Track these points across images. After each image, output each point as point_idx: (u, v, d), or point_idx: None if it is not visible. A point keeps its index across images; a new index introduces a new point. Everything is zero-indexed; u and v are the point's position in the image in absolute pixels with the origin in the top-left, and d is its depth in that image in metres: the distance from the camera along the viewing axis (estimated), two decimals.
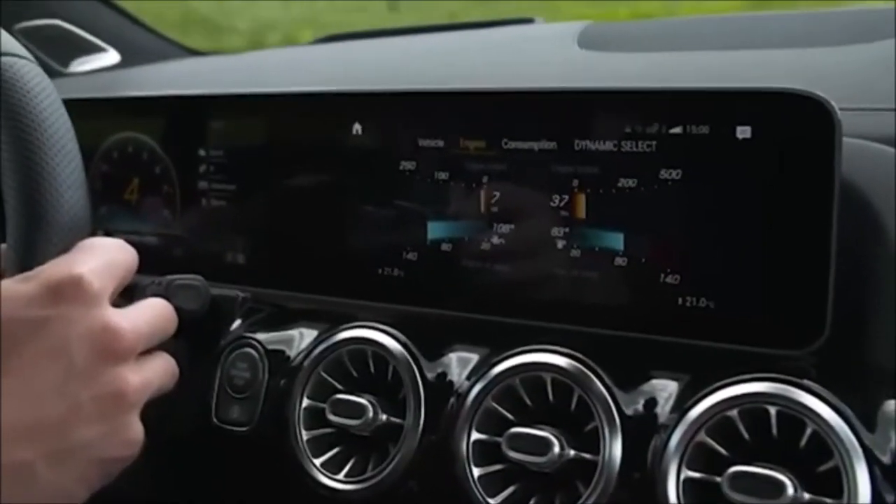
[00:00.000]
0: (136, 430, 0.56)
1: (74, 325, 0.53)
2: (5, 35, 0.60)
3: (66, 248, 0.57)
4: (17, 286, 0.53)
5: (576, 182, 0.59)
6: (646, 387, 0.56)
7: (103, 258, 0.56)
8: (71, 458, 0.52)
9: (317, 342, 0.66)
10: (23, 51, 0.60)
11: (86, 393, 0.52)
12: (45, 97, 0.58)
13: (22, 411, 0.51)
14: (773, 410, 0.51)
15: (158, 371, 0.59)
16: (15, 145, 0.56)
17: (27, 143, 0.56)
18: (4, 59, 0.59)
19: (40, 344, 0.52)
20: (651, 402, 0.55)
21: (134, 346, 0.55)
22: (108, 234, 0.77)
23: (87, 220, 0.59)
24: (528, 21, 1.08)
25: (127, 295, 0.60)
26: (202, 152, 0.76)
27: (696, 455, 0.52)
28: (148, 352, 0.58)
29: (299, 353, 0.67)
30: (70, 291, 0.53)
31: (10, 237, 0.57)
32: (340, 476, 0.62)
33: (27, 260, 0.55)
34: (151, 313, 0.59)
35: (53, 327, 0.52)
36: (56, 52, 1.19)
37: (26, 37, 1.14)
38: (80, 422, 0.52)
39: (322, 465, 0.63)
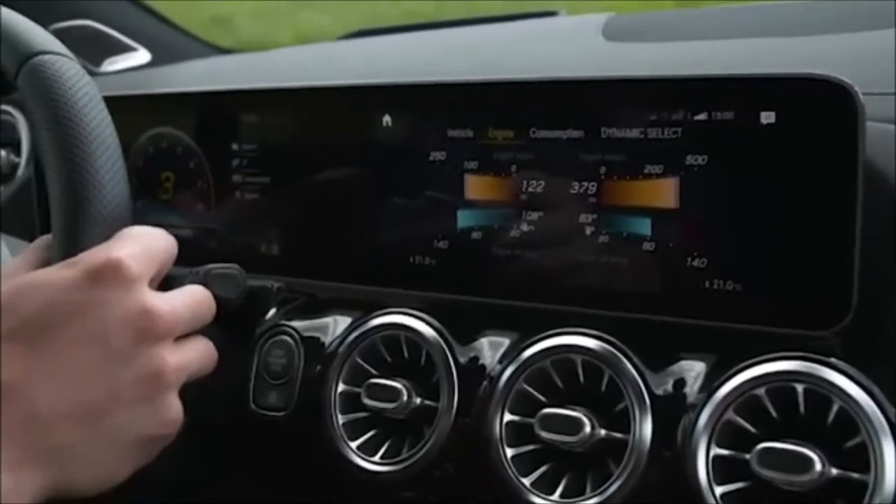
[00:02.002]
0: (176, 409, 0.57)
1: (114, 307, 0.54)
2: (44, 33, 0.62)
3: (107, 237, 0.58)
4: (59, 272, 0.55)
5: (603, 169, 0.60)
6: (674, 367, 0.57)
7: (142, 244, 0.58)
8: (113, 438, 0.54)
9: (351, 329, 0.67)
10: (63, 48, 0.61)
11: (126, 374, 0.54)
12: (85, 93, 0.60)
13: (65, 394, 0.52)
14: (800, 388, 0.52)
15: (197, 353, 0.60)
16: (57, 139, 0.58)
17: (69, 136, 0.58)
18: (46, 57, 0.60)
19: (81, 327, 0.53)
20: (680, 382, 0.56)
21: (172, 327, 0.57)
22: None
23: (128, 210, 0.60)
24: (552, 14, 1.09)
25: (166, 286, 0.62)
26: (235, 146, 0.77)
27: (724, 433, 0.53)
28: (186, 337, 0.59)
29: (334, 340, 0.68)
30: (109, 275, 0.54)
31: (54, 227, 0.59)
32: (376, 458, 0.64)
33: (70, 248, 0.57)
34: (190, 299, 0.60)
35: (93, 310, 0.53)
36: (88, 52, 1.21)
37: (59, 37, 1.15)
38: (121, 402, 0.54)
39: (358, 448, 0.64)
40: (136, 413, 0.55)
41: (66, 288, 0.54)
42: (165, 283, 0.62)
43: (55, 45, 0.61)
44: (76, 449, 0.52)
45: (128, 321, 0.54)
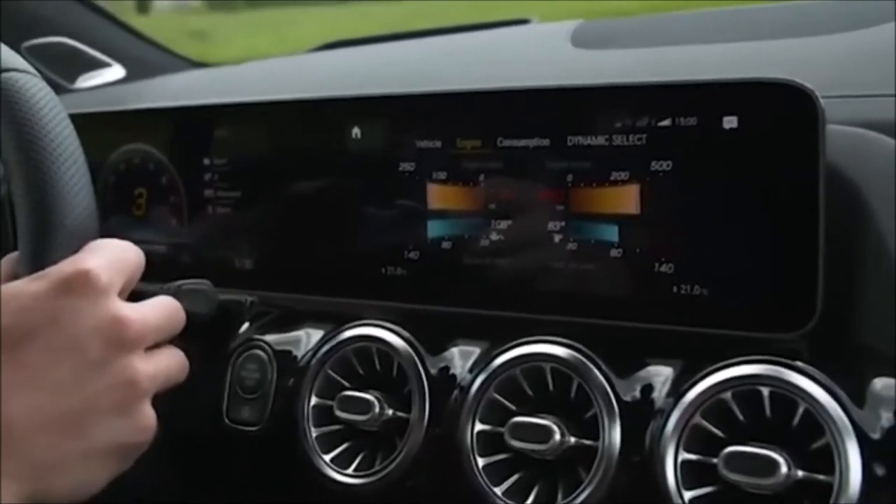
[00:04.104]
0: (150, 416, 0.57)
1: (85, 317, 0.54)
2: (8, 51, 0.62)
3: (74, 251, 0.58)
4: (28, 284, 0.55)
5: (570, 177, 0.61)
6: (642, 373, 0.57)
7: (110, 255, 0.58)
8: (89, 446, 0.54)
9: (323, 342, 0.68)
10: (26, 65, 0.61)
11: (100, 382, 0.54)
12: (50, 109, 0.60)
13: (40, 403, 0.52)
14: (765, 391, 0.52)
15: (169, 362, 0.60)
16: (23, 156, 0.58)
17: (34, 152, 0.58)
18: (8, 74, 0.60)
19: (53, 338, 0.53)
20: (648, 388, 0.57)
21: (143, 336, 0.57)
22: None
23: (95, 224, 0.61)
24: (524, 22, 1.10)
25: (136, 302, 0.62)
26: (207, 161, 0.77)
27: (692, 437, 0.53)
28: (157, 346, 0.60)
29: (306, 353, 0.68)
30: (79, 285, 0.55)
31: (21, 243, 0.59)
32: (350, 471, 0.64)
33: (38, 263, 0.57)
34: (160, 308, 0.61)
35: (65, 320, 0.54)
36: (63, 68, 1.21)
37: (33, 55, 1.16)
38: (96, 411, 0.54)
39: (331, 460, 0.64)
40: (110, 421, 0.55)
41: (36, 298, 0.54)
42: (135, 299, 0.62)
43: (19, 62, 0.61)
44: (53, 458, 0.52)
45: (99, 330, 0.55)
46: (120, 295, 0.57)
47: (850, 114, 0.60)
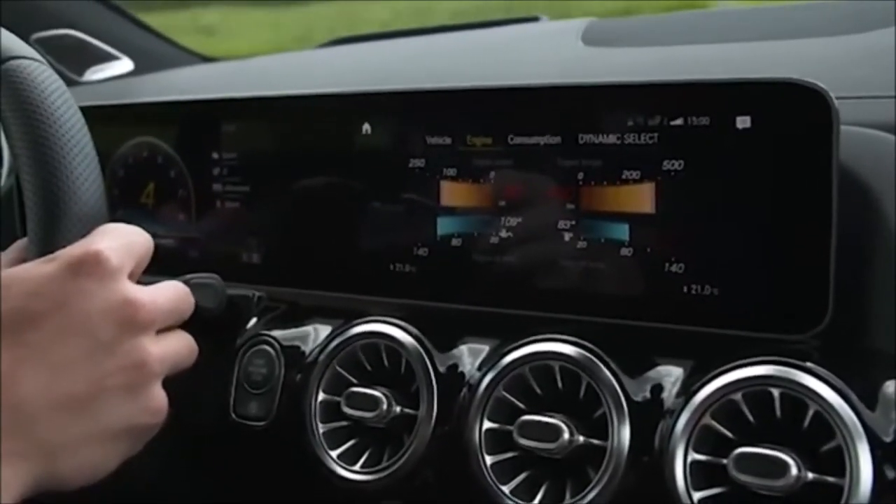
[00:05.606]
0: (160, 398, 0.57)
1: (95, 298, 0.54)
2: (15, 39, 0.62)
3: (83, 235, 0.58)
4: (39, 266, 0.55)
5: (581, 175, 0.60)
6: (652, 373, 0.57)
7: (120, 238, 0.58)
8: (99, 428, 0.54)
9: (331, 337, 0.68)
10: (33, 52, 0.61)
11: (110, 364, 0.54)
12: (58, 96, 0.60)
13: (51, 384, 0.52)
14: (776, 392, 0.52)
15: (178, 345, 0.60)
16: (31, 142, 0.58)
17: (42, 138, 0.58)
18: (17, 61, 0.60)
19: (64, 319, 0.53)
20: (657, 388, 0.56)
21: (153, 318, 0.57)
22: None
23: (104, 210, 0.60)
24: (534, 19, 1.09)
25: None
26: (216, 155, 0.77)
27: (702, 438, 0.53)
28: (166, 330, 0.60)
29: (314, 349, 0.68)
30: (89, 267, 0.54)
31: (29, 228, 0.59)
32: (357, 467, 0.64)
33: (46, 247, 0.57)
34: (170, 292, 0.60)
35: (75, 302, 0.54)
36: (71, 60, 1.21)
37: (42, 46, 1.16)
38: (106, 392, 0.54)
39: (338, 456, 0.64)
40: (121, 402, 0.55)
41: (47, 280, 0.54)
42: None
43: (25, 49, 0.61)
44: (63, 440, 0.52)
45: (110, 311, 0.54)
46: (130, 278, 0.57)
47: (860, 115, 0.60)
